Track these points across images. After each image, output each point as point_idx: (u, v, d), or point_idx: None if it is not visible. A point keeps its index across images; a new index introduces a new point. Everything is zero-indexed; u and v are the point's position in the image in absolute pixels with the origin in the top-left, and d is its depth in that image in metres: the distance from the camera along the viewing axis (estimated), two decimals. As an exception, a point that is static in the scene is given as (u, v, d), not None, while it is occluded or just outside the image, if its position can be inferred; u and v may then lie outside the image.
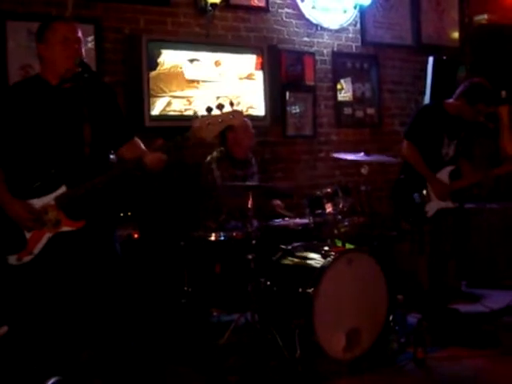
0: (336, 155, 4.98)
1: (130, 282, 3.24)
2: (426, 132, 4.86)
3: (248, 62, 5.68)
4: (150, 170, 3.04)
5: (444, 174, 4.90)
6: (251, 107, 5.66)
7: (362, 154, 4.75)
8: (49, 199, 2.99)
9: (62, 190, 2.99)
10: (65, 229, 3.01)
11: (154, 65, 5.14)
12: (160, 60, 5.17)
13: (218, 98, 5.33)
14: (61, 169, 3.02)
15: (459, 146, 4.97)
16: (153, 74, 5.12)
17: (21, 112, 3.02)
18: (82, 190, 2.98)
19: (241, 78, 5.63)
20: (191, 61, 5.34)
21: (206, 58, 5.43)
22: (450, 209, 4.87)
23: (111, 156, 3.38)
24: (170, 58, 5.22)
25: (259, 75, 5.72)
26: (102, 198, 3.11)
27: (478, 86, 4.86)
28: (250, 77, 5.69)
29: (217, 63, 5.47)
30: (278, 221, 4.78)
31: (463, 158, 5.04)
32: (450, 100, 4.96)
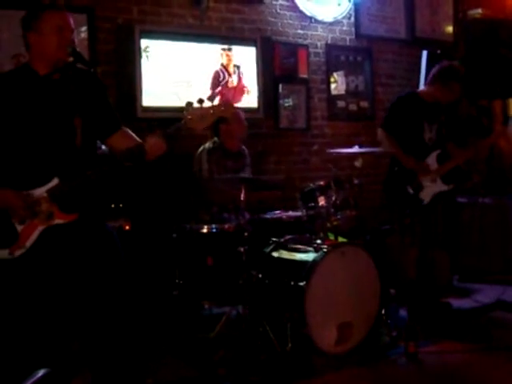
0: (331, 150, 4.95)
1: (125, 274, 3.21)
2: (404, 121, 4.86)
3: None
4: (150, 157, 3.00)
5: (432, 159, 4.91)
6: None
7: (356, 147, 4.74)
8: (41, 191, 2.96)
9: (55, 182, 2.96)
10: (57, 222, 2.97)
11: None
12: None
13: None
14: (53, 161, 2.98)
15: (442, 129, 4.97)
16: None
17: (10, 103, 2.97)
18: (75, 182, 2.94)
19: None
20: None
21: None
22: (442, 193, 4.89)
23: (103, 147, 3.35)
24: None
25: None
26: (94, 190, 3.07)
27: (448, 67, 4.93)
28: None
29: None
30: (271, 213, 4.77)
31: (451, 142, 5.04)
32: (423, 88, 5.02)
